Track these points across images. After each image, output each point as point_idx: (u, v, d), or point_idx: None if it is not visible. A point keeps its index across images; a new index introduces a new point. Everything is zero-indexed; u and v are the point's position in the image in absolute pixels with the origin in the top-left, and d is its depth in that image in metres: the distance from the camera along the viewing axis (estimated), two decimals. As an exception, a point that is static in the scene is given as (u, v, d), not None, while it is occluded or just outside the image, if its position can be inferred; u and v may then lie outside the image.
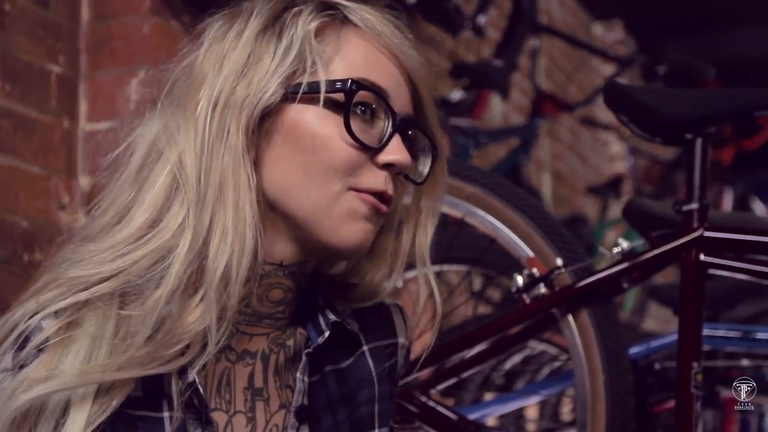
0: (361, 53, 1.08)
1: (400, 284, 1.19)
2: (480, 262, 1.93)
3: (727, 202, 4.72)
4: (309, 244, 1.07)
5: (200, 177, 1.02)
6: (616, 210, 4.80)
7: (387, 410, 1.17)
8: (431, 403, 1.66)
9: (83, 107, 2.26)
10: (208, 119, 1.03)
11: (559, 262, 1.61)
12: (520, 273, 1.62)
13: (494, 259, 1.90)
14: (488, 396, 2.28)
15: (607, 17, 6.33)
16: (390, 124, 1.06)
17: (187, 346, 1.01)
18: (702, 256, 1.50)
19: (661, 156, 4.99)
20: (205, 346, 1.01)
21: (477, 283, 2.32)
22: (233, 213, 1.01)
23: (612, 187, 4.93)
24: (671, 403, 1.59)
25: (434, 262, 1.17)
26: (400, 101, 1.08)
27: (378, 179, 1.06)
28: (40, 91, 2.15)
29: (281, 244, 1.07)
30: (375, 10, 1.11)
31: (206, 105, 1.04)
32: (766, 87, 1.57)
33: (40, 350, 1.00)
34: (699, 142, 1.54)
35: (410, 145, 1.10)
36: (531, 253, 1.65)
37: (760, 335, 1.78)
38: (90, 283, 1.01)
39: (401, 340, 1.22)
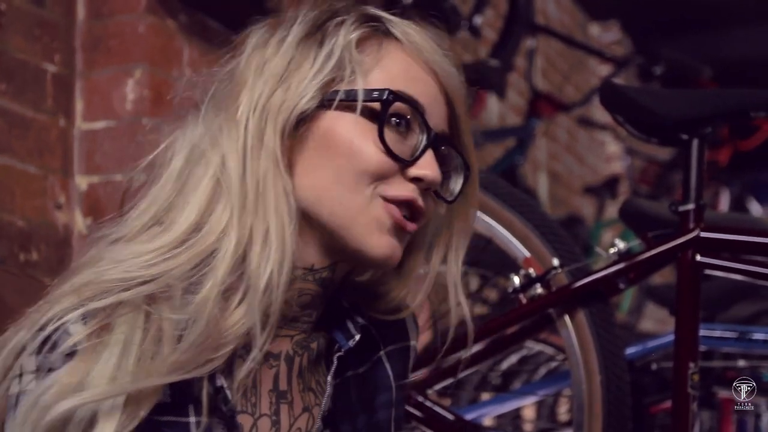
0: (401, 66, 1.08)
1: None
2: (476, 263, 1.93)
3: (724, 202, 4.73)
4: (339, 251, 1.07)
5: (243, 180, 1.02)
6: (612, 210, 4.79)
7: (402, 415, 1.17)
8: (428, 404, 1.66)
9: (79, 106, 2.25)
10: (249, 122, 1.04)
11: (556, 262, 1.60)
12: (517, 273, 1.62)
13: (491, 260, 1.90)
14: (485, 396, 2.28)
15: (604, 17, 6.34)
16: (424, 139, 1.06)
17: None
18: (698, 257, 1.50)
19: (657, 156, 4.99)
20: (236, 349, 1.01)
21: (474, 283, 2.32)
22: (274, 218, 1.01)
23: (608, 187, 4.93)
24: (668, 404, 1.59)
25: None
26: (436, 117, 1.08)
27: (407, 189, 1.06)
28: (36, 90, 2.15)
29: (313, 250, 1.07)
30: (418, 26, 1.11)
31: (247, 108, 1.04)
32: (763, 87, 1.56)
33: (67, 355, 0.97)
34: (695, 142, 1.54)
35: (443, 162, 1.10)
36: (527, 254, 1.65)
37: (757, 336, 1.78)
38: (132, 285, 1.00)
39: (413, 342, 1.22)
